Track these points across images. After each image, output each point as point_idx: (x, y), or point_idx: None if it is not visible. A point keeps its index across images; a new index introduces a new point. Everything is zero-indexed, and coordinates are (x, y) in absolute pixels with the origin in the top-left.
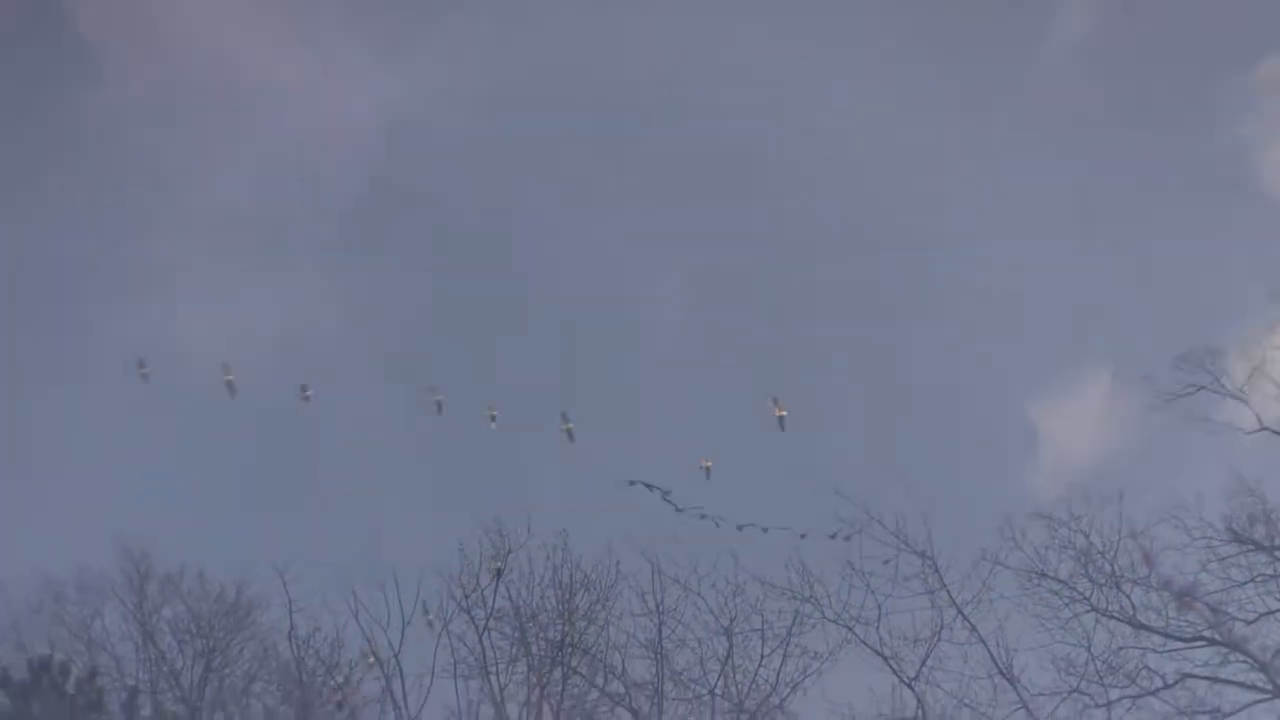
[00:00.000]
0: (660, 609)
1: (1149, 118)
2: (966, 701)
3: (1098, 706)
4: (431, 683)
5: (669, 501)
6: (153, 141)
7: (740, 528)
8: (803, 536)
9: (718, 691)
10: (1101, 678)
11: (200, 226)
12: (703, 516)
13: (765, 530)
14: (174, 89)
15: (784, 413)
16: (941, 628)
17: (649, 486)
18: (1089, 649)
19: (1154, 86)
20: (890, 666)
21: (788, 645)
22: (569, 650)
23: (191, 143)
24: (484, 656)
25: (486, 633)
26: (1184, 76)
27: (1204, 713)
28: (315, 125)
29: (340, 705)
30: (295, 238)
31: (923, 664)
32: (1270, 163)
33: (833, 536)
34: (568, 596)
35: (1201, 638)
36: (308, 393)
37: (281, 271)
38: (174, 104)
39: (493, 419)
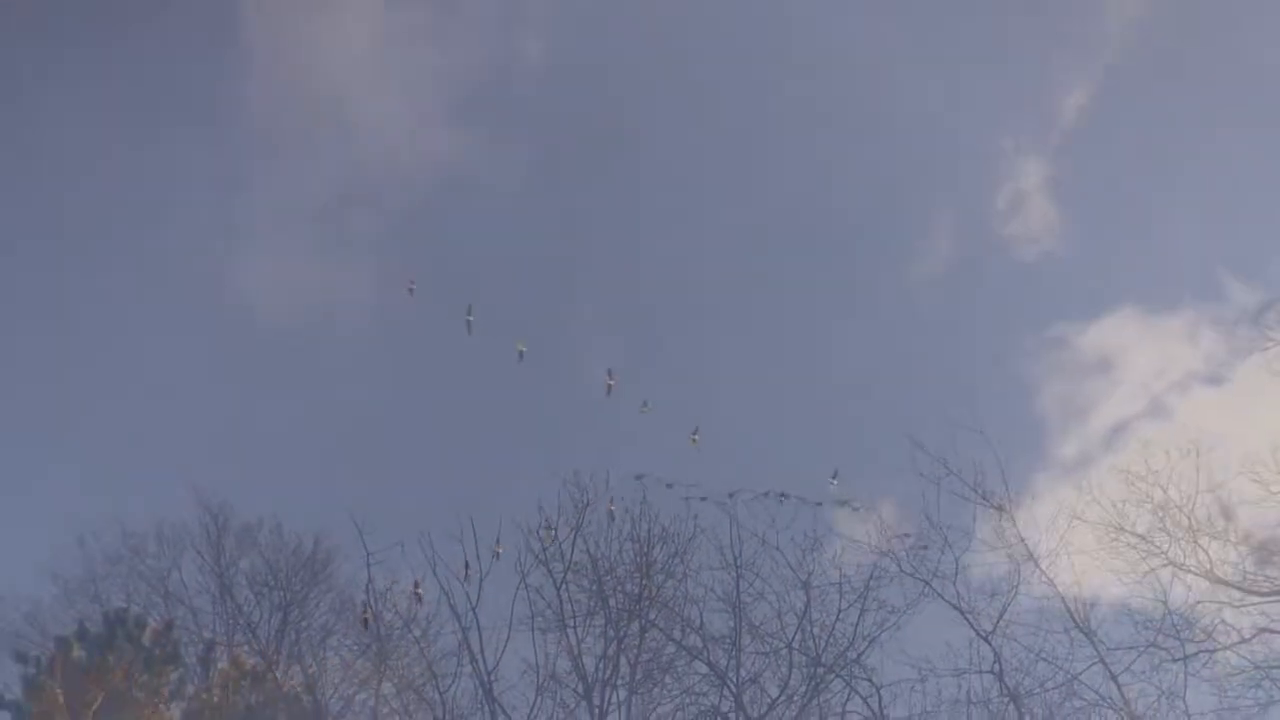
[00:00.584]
0: (738, 562)
1: None
2: (1043, 655)
3: (1174, 661)
4: (509, 636)
5: (669, 486)
6: None
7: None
8: (731, 496)
9: (795, 645)
10: (1178, 632)
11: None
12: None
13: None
14: None
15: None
16: (1019, 582)
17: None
18: (1166, 603)
19: None
20: (967, 621)
21: (865, 599)
22: (647, 603)
23: None
24: (561, 610)
25: (564, 586)
26: None
27: None
28: None
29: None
30: None
31: (1000, 618)
32: None
33: (766, 494)
34: (646, 550)
35: (1279, 592)
36: (412, 285)
37: None
38: None
39: (521, 354)
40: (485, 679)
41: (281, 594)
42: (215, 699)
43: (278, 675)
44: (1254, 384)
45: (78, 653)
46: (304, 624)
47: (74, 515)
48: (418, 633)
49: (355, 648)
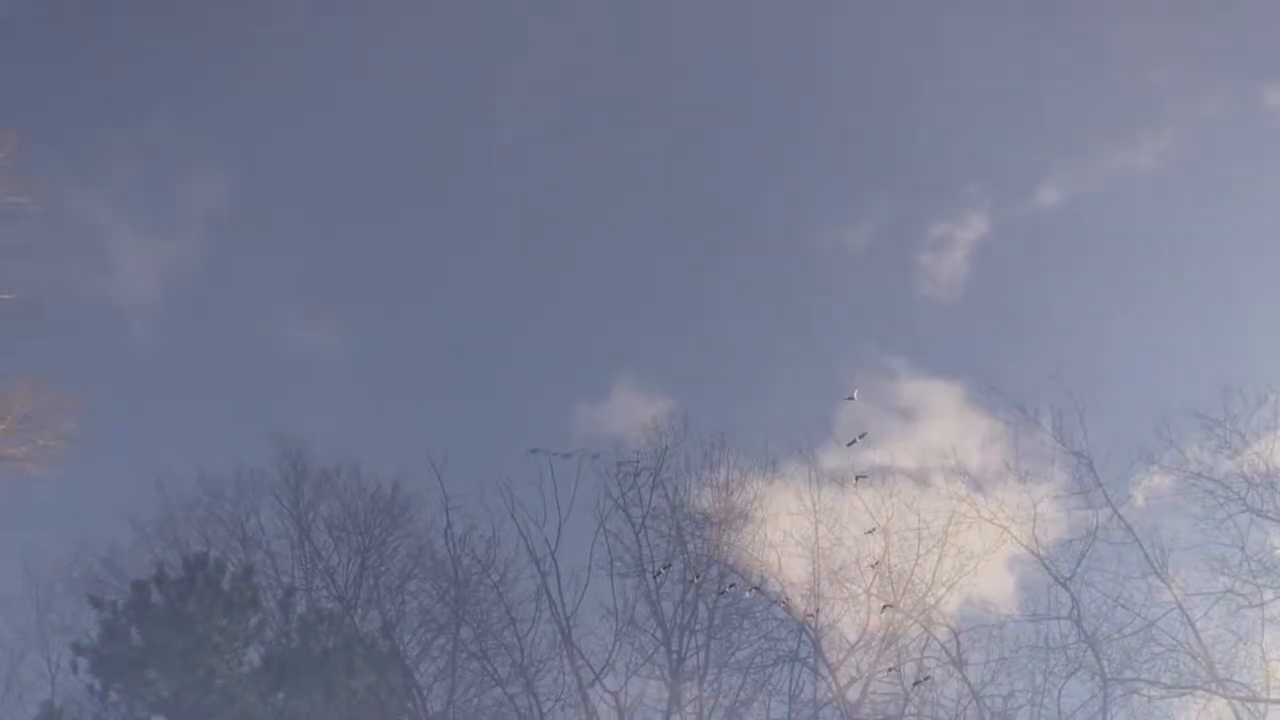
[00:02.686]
0: (816, 507)
1: None
2: (1121, 601)
3: (1251, 607)
4: (588, 581)
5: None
6: None
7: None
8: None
9: (872, 591)
10: (1255, 578)
11: None
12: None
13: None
14: None
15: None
16: (1097, 528)
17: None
18: (1243, 549)
19: None
20: (1045, 566)
21: (944, 545)
22: (725, 548)
23: None
24: (640, 555)
25: (643, 531)
26: None
27: None
28: None
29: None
30: None
31: (1077, 564)
32: None
33: (567, 456)
34: (725, 494)
35: None
36: None
37: None
38: None
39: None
40: (564, 624)
41: (360, 539)
42: (294, 644)
43: (355, 620)
44: None
45: (156, 598)
46: (382, 569)
47: (152, 460)
48: (496, 578)
49: (433, 592)
